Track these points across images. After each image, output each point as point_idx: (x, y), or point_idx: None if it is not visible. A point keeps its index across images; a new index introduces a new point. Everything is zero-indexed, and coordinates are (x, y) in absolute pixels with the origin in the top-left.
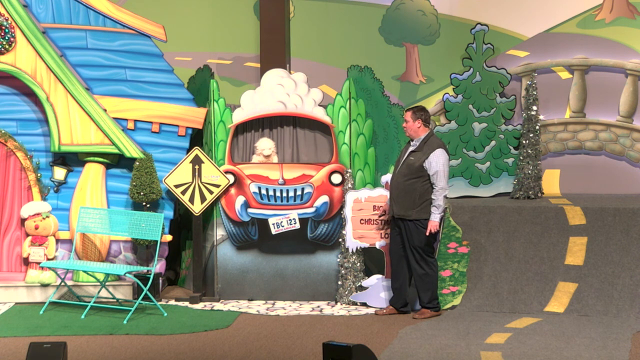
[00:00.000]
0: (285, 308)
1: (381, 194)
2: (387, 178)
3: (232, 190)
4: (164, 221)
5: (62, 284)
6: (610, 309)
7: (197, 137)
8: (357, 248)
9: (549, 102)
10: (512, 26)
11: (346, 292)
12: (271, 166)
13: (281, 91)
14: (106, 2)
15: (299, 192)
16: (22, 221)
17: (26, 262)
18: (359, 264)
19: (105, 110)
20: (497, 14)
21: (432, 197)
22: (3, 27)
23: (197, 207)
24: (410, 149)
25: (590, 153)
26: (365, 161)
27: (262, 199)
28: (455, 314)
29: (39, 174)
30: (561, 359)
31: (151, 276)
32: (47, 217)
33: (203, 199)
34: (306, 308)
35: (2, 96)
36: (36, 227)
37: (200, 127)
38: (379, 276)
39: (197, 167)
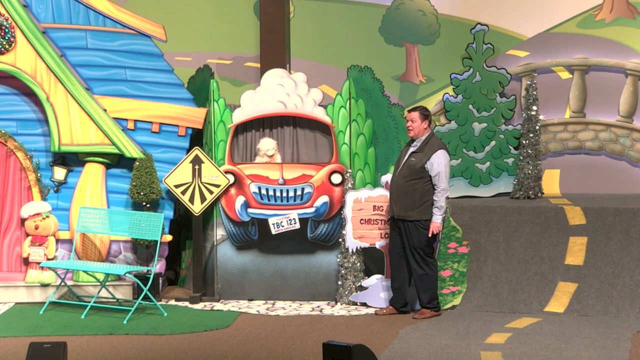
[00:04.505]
0: (285, 308)
1: (381, 194)
2: (387, 178)
3: (232, 190)
4: (164, 221)
5: (62, 284)
6: (610, 309)
7: (197, 137)
8: (357, 248)
9: (549, 102)
10: (512, 26)
11: (346, 292)
12: (271, 166)
13: (281, 91)
14: (106, 2)
15: (299, 192)
16: (22, 221)
17: (26, 262)
18: (359, 264)
19: (105, 110)
20: (497, 14)
21: (434, 198)
22: (3, 27)
23: (197, 207)
24: (411, 150)
25: (590, 153)
26: (365, 161)
27: (262, 199)
28: (455, 314)
29: (39, 174)
30: (561, 359)
31: (151, 276)
32: (47, 217)
33: (203, 199)
34: (306, 308)
35: (2, 96)
36: (36, 227)
37: (200, 127)
38: (379, 276)
39: (197, 167)
